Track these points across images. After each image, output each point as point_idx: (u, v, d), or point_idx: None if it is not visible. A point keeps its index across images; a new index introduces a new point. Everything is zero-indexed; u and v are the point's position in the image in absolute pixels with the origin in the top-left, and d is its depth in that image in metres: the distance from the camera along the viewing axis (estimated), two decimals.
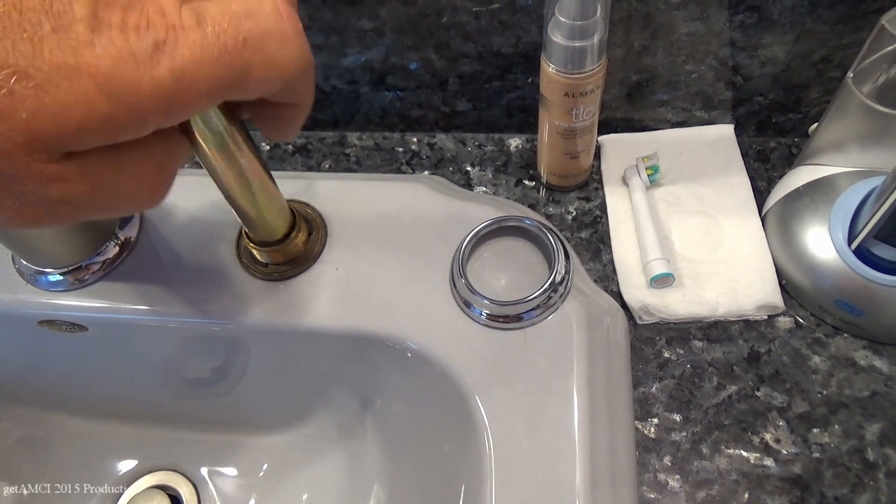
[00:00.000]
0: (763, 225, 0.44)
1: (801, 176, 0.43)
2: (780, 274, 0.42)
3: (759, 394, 0.39)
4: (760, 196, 0.45)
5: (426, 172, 0.49)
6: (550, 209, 0.46)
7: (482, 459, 0.34)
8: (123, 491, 0.53)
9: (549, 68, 0.39)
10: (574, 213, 0.46)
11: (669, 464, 0.37)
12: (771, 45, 0.42)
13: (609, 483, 0.34)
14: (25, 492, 0.51)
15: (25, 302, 0.41)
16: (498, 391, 0.36)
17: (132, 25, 0.19)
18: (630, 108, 0.48)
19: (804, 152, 0.44)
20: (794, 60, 0.43)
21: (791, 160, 0.47)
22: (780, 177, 0.45)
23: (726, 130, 0.48)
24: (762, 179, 0.47)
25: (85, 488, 0.52)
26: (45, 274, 0.41)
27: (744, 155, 0.47)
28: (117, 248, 0.42)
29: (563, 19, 0.36)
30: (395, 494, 0.44)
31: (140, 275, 0.41)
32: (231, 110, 0.28)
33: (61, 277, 0.41)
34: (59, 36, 0.18)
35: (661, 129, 0.49)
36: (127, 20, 0.19)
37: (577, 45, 0.37)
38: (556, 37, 0.37)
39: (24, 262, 0.42)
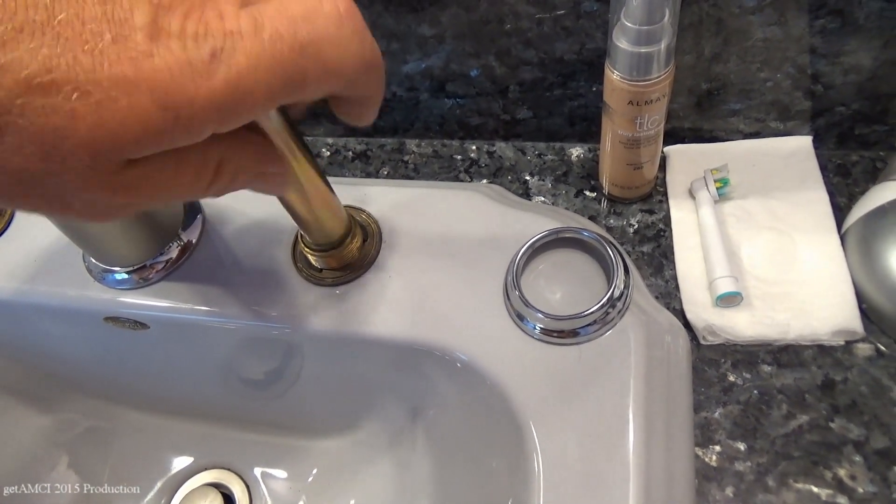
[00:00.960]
0: (842, 244, 0.41)
1: (886, 192, 0.40)
2: (860, 297, 0.39)
3: (833, 425, 0.36)
4: (840, 213, 0.42)
5: (484, 181, 0.48)
6: (612, 221, 0.45)
7: (530, 479, 0.33)
8: (179, 488, 0.54)
9: (613, 75, 0.37)
10: (636, 225, 0.44)
11: (731, 495, 0.35)
12: (855, 51, 0.40)
13: None
14: (86, 489, 0.53)
15: (93, 299, 0.43)
16: (550, 409, 0.35)
17: (191, 33, 0.19)
18: (699, 117, 0.46)
19: (890, 167, 0.41)
20: (882, 68, 0.40)
21: (875, 175, 0.44)
22: (863, 192, 0.42)
23: (804, 142, 0.45)
24: (842, 195, 0.44)
25: (142, 484, 0.54)
26: (112, 272, 0.43)
27: (822, 168, 0.44)
28: (179, 250, 0.43)
29: (628, 24, 0.35)
30: None
31: (200, 276, 0.42)
32: (286, 114, 0.28)
33: (127, 276, 0.42)
34: (118, 46, 0.18)
35: (732, 139, 0.47)
36: (186, 27, 0.19)
37: (642, 50, 0.35)
38: (622, 42, 0.35)
39: (93, 261, 0.43)
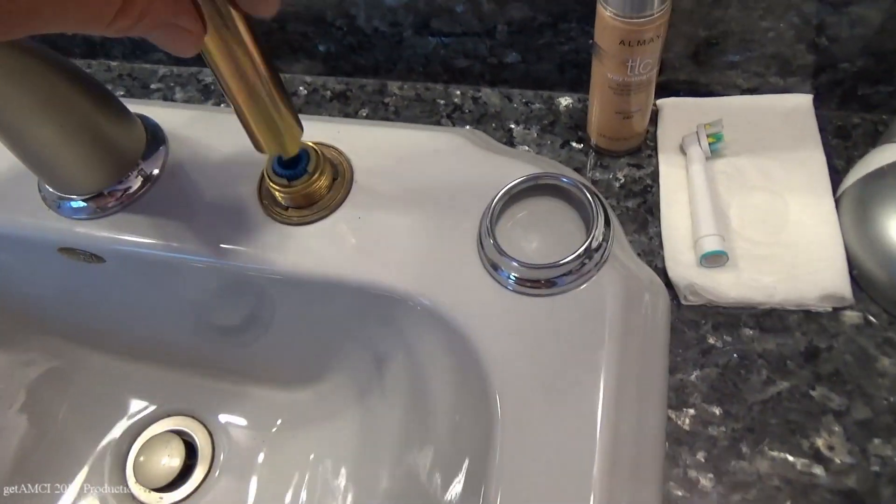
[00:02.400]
0: (837, 207, 0.39)
1: (885, 154, 0.38)
2: (851, 263, 0.37)
3: (814, 393, 0.34)
4: (837, 176, 0.40)
5: (467, 127, 0.46)
6: (597, 174, 0.43)
7: (492, 431, 0.31)
8: (140, 434, 0.53)
9: (605, 12, 0.35)
10: (623, 179, 0.42)
11: (703, 460, 0.33)
12: (864, 0, 0.37)
13: (631, 474, 0.31)
14: (43, 430, 0.51)
15: (47, 227, 0.41)
16: (517, 361, 0.33)
17: None
18: (695, 69, 0.43)
19: (891, 129, 0.39)
20: (891, 21, 0.38)
21: (876, 139, 0.42)
22: (862, 156, 0.40)
23: (803, 101, 0.43)
24: (840, 158, 0.42)
25: (101, 429, 0.52)
26: (68, 200, 0.40)
27: (821, 129, 0.42)
28: (140, 179, 0.40)
29: None
30: (403, 461, 0.41)
31: (160, 209, 0.40)
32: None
33: (83, 204, 0.40)
34: None
35: (729, 94, 0.44)
36: None
37: None
38: None
39: (49, 188, 0.41)
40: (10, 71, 0.33)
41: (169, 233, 0.39)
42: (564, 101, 0.46)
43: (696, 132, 0.41)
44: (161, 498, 0.51)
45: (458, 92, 0.48)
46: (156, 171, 0.41)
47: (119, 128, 0.39)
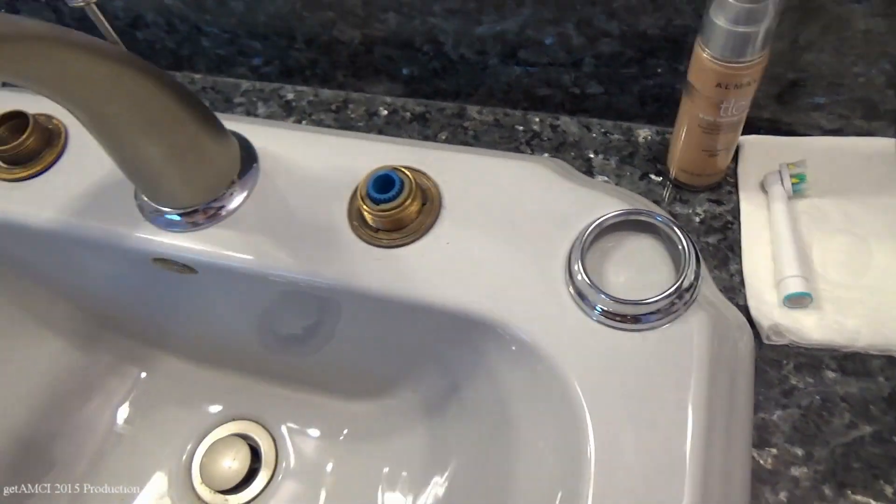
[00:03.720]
0: None
1: None
2: None
3: None
4: None
5: (545, 155, 0.47)
6: (676, 208, 0.43)
7: (581, 465, 0.32)
8: (206, 436, 0.54)
9: (703, 53, 0.35)
10: (702, 215, 0.43)
11: (785, 500, 0.34)
12: None
13: None
14: (116, 429, 0.53)
15: (143, 238, 0.42)
16: (605, 394, 0.33)
17: None
18: (779, 109, 0.44)
19: None
20: None
21: None
22: None
23: (888, 145, 0.43)
24: None
25: (169, 429, 0.54)
26: (163, 213, 0.42)
27: None
28: (234, 197, 0.42)
29: (730, 0, 0.33)
30: (475, 485, 0.42)
31: (251, 225, 0.41)
32: None
33: (178, 218, 0.42)
34: None
35: (812, 135, 0.45)
36: None
37: (740, 30, 0.33)
38: (719, 19, 0.34)
39: (146, 199, 0.42)
40: (128, 92, 0.34)
41: (260, 248, 0.41)
42: (643, 132, 0.47)
43: (779, 171, 0.42)
44: (226, 500, 0.52)
45: (538, 119, 0.49)
46: (249, 189, 0.42)
47: (219, 146, 0.41)
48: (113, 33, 0.35)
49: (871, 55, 0.39)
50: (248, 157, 0.43)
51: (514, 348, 0.37)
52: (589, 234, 0.37)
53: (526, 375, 0.37)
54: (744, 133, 0.45)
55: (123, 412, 0.54)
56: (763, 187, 0.43)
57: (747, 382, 0.36)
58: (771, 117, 0.44)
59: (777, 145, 0.44)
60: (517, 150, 0.48)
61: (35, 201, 0.44)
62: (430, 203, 0.40)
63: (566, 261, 0.37)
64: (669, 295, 0.34)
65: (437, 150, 0.43)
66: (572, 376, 0.34)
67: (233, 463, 0.53)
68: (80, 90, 0.32)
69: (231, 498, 0.52)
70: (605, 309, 0.35)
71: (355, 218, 0.41)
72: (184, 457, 0.54)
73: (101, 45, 0.33)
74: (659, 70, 0.43)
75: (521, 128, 0.49)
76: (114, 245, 0.43)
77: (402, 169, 0.39)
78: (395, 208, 0.38)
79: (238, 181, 0.42)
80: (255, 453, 0.53)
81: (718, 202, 0.43)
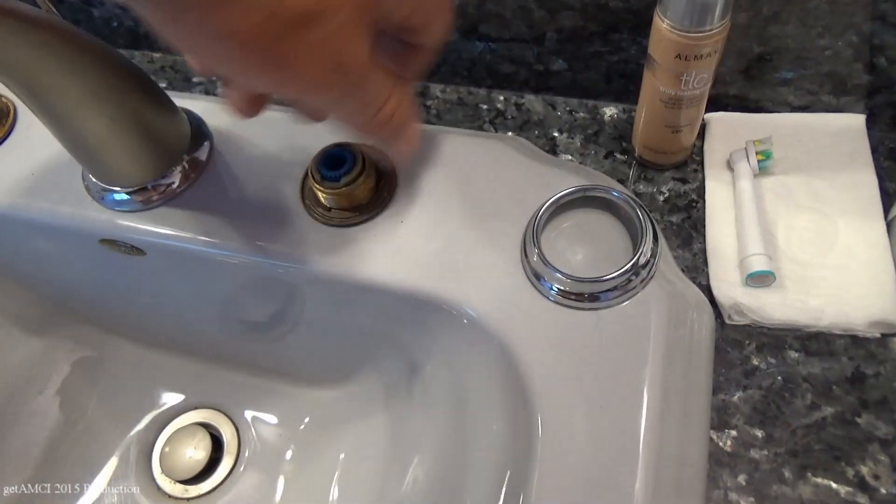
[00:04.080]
0: (888, 231, 0.38)
1: None
2: None
3: (859, 420, 0.34)
4: (888, 199, 0.39)
5: (510, 133, 0.46)
6: (641, 187, 0.42)
7: (532, 444, 0.31)
8: (167, 425, 0.53)
9: (662, 24, 0.34)
10: (667, 194, 0.42)
11: (744, 483, 0.33)
12: None
13: (673, 494, 0.30)
14: (72, 417, 0.52)
15: (90, 218, 0.41)
16: (558, 375, 0.32)
17: None
18: (746, 84, 0.43)
19: None
20: None
21: None
22: None
23: (856, 121, 0.42)
24: (892, 181, 0.41)
25: (129, 418, 0.53)
26: (112, 192, 0.40)
27: (874, 151, 0.41)
28: (183, 174, 0.41)
29: None
30: (435, 466, 0.41)
31: (202, 204, 0.40)
32: None
33: (127, 197, 0.40)
34: None
35: (779, 111, 0.43)
36: None
37: None
38: None
39: (93, 179, 0.41)
40: (62, 61, 0.33)
41: (210, 228, 0.39)
42: (609, 111, 0.46)
43: (745, 148, 0.41)
44: (186, 490, 0.51)
45: (502, 97, 0.48)
46: (199, 167, 0.41)
47: (166, 122, 0.39)
48: (48, 2, 0.34)
49: (838, 26, 0.38)
50: (199, 134, 0.42)
51: (468, 330, 0.36)
52: (544, 213, 0.36)
53: (480, 358, 0.36)
54: (710, 110, 0.44)
55: (80, 401, 0.53)
56: (729, 165, 0.42)
57: (706, 363, 0.35)
58: (738, 94, 0.43)
59: (744, 122, 0.43)
60: (480, 128, 0.46)
61: None
62: (385, 181, 0.39)
63: (522, 240, 0.36)
64: (626, 272, 0.33)
65: None
66: (524, 357, 0.33)
67: (194, 452, 0.52)
68: (9, 58, 0.31)
69: (192, 488, 0.51)
70: (561, 288, 0.34)
71: (308, 197, 0.39)
72: (144, 446, 0.52)
73: (32, 11, 0.31)
74: (623, 45, 0.42)
75: (485, 106, 0.48)
76: (60, 226, 0.42)
77: (356, 146, 0.38)
78: (346, 185, 0.37)
79: (188, 159, 0.41)
80: (217, 442, 0.52)
81: (684, 181, 0.42)
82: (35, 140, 0.44)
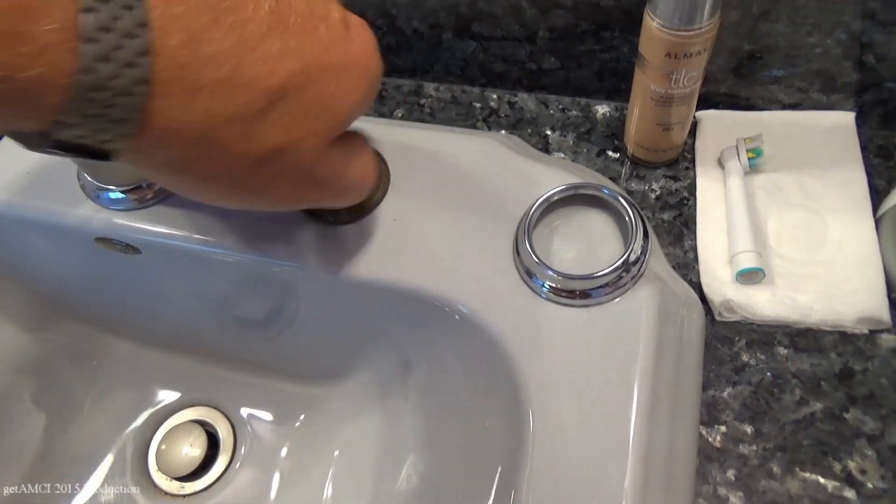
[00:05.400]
0: (877, 228, 0.38)
1: None
2: (890, 285, 0.37)
3: (847, 416, 0.34)
4: (877, 196, 0.40)
5: (503, 132, 0.46)
6: (633, 185, 0.42)
7: (523, 440, 0.31)
8: (163, 423, 0.53)
9: (652, 22, 0.35)
10: (658, 191, 0.42)
11: (733, 478, 0.33)
12: None
13: (662, 488, 0.30)
14: (66, 416, 0.52)
15: (85, 217, 0.41)
16: (550, 371, 0.33)
17: (362, 23, 0.26)
18: (736, 82, 0.43)
19: None
20: None
21: None
22: None
23: (845, 118, 0.42)
24: (881, 178, 0.41)
25: (125, 416, 0.53)
26: (107, 191, 0.41)
27: (863, 148, 0.41)
28: None
29: None
30: (429, 463, 0.42)
31: (197, 204, 0.40)
32: None
33: (122, 196, 0.40)
34: (331, 35, 0.23)
35: (770, 109, 0.44)
36: (359, 20, 0.26)
37: None
38: None
39: (88, 178, 0.41)
40: None
41: (205, 227, 0.40)
42: (602, 109, 0.46)
43: (736, 146, 0.41)
44: (182, 487, 0.51)
45: (495, 96, 0.48)
46: None
47: None
48: None
49: (827, 25, 0.38)
50: None
51: (459, 325, 0.36)
52: (535, 210, 0.36)
53: (473, 354, 0.36)
54: (701, 108, 0.44)
55: (75, 399, 0.53)
56: (720, 163, 0.42)
57: (696, 359, 0.35)
58: (728, 91, 0.43)
59: (735, 120, 0.43)
60: (474, 126, 0.47)
61: None
62: (378, 179, 0.39)
63: (514, 237, 0.36)
64: (616, 269, 0.34)
65: (388, 126, 0.42)
66: (516, 353, 0.33)
67: (190, 449, 0.52)
68: None
69: (188, 485, 0.51)
70: (553, 285, 0.34)
71: None
72: (140, 444, 0.53)
73: None
74: (615, 43, 0.42)
75: (478, 105, 0.48)
76: (55, 225, 0.42)
77: None
78: None
79: None
80: (213, 439, 0.53)
81: (675, 178, 0.42)
82: None
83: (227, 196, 0.25)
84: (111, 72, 0.18)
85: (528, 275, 0.35)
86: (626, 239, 0.35)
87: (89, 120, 0.19)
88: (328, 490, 0.46)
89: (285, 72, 0.21)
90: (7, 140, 0.45)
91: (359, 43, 0.24)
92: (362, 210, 0.38)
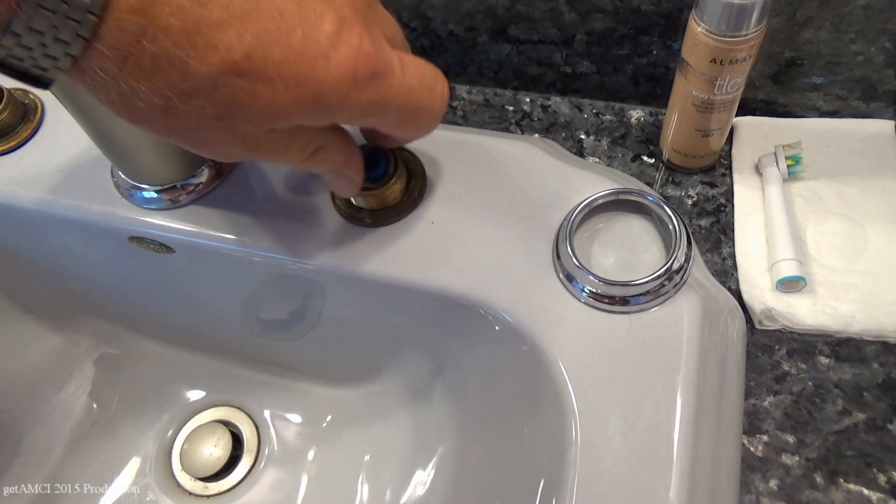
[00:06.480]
0: None
1: None
2: None
3: (891, 427, 0.34)
4: None
5: (536, 135, 0.46)
6: (669, 191, 0.42)
7: (566, 450, 0.31)
8: (187, 422, 0.53)
9: (697, 28, 0.34)
10: (695, 197, 0.42)
11: (776, 488, 0.33)
12: None
13: (707, 499, 0.30)
14: (94, 414, 0.52)
15: (119, 216, 0.41)
16: (592, 378, 0.32)
17: (364, 51, 0.22)
18: (774, 89, 0.43)
19: None
20: None
21: None
22: None
23: (886, 127, 0.42)
24: None
25: (150, 414, 0.53)
26: (141, 190, 0.40)
27: None
28: (212, 173, 0.41)
29: None
30: (460, 471, 0.41)
31: (232, 203, 0.40)
32: None
33: (156, 195, 0.40)
34: (305, 44, 0.21)
35: (808, 116, 0.43)
36: (362, 45, 0.22)
37: (737, 2, 0.32)
38: None
39: (122, 176, 0.41)
40: None
41: (239, 227, 0.39)
42: (636, 113, 0.46)
43: (775, 153, 0.41)
44: (206, 487, 0.51)
45: (528, 99, 0.48)
46: (228, 166, 0.41)
47: None
48: None
49: (871, 33, 0.38)
50: None
51: (498, 330, 0.36)
52: (577, 215, 0.35)
53: (511, 358, 0.36)
54: (739, 114, 0.44)
55: (101, 398, 0.53)
56: (758, 169, 0.42)
57: (738, 367, 0.35)
58: (767, 98, 0.43)
59: (772, 127, 0.43)
60: (507, 130, 0.46)
61: (9, 178, 0.43)
62: (414, 182, 0.39)
63: (554, 242, 0.36)
64: (659, 276, 0.33)
65: None
66: (558, 359, 0.33)
67: (214, 450, 0.52)
68: None
69: (212, 485, 0.51)
70: (593, 291, 0.34)
71: (339, 197, 0.39)
72: (164, 443, 0.53)
73: None
74: (652, 48, 0.42)
75: (511, 108, 0.48)
76: (88, 223, 0.42)
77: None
78: (380, 187, 0.37)
79: None
80: (237, 440, 0.52)
81: (712, 184, 0.42)
82: (63, 136, 0.44)
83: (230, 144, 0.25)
84: None
85: (567, 279, 0.35)
86: (668, 246, 0.35)
87: (33, 34, 0.19)
88: (358, 493, 0.46)
89: (224, 60, 0.20)
90: (41, 136, 0.45)
91: (341, 66, 0.22)
92: (399, 213, 0.38)
